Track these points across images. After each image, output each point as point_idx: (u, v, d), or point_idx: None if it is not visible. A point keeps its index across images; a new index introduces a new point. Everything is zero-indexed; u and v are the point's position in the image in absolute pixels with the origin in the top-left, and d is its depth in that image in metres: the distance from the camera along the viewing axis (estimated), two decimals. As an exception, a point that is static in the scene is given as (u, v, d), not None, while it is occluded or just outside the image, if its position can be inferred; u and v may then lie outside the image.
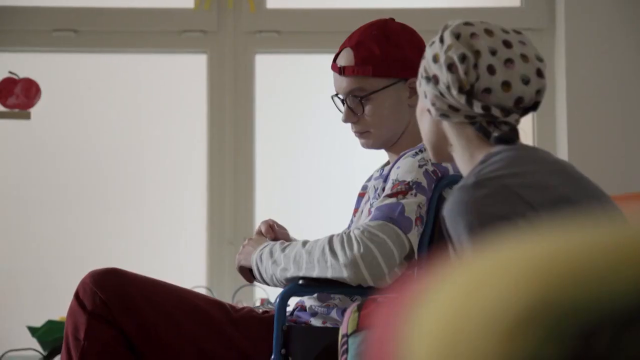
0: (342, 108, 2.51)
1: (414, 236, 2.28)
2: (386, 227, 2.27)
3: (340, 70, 2.47)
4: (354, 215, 2.61)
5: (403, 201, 2.30)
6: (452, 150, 1.88)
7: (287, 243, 2.38)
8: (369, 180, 2.63)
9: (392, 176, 2.37)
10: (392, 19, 2.51)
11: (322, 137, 4.21)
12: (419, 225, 2.29)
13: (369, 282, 2.24)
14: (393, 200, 2.31)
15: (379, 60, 2.42)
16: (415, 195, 2.31)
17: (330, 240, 2.29)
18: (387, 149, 2.52)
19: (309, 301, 2.44)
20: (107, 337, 2.32)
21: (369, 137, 2.47)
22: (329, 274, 2.25)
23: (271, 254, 2.36)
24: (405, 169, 2.34)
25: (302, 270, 2.29)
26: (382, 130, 2.45)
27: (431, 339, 0.68)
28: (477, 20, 1.87)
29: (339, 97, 2.52)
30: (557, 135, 4.12)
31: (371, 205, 2.41)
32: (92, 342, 2.31)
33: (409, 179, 2.32)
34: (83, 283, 2.35)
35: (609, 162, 3.97)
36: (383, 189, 2.38)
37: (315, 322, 2.39)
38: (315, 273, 2.27)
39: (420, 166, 2.33)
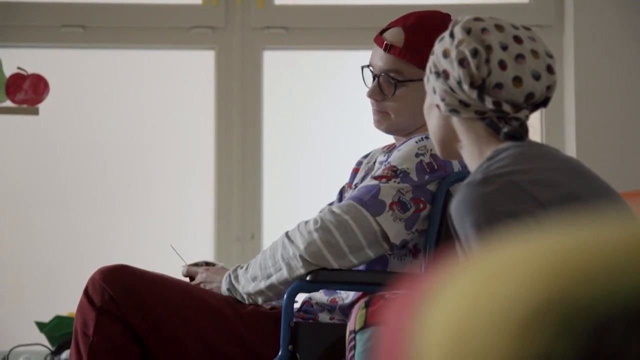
0: (369, 80, 2.48)
1: (387, 220, 2.27)
2: (352, 208, 2.28)
3: (386, 47, 2.42)
4: (346, 189, 2.63)
5: (382, 184, 2.30)
6: (461, 146, 1.87)
7: (246, 263, 2.39)
8: (365, 156, 2.64)
9: (391, 158, 2.37)
10: (449, 15, 2.46)
11: (330, 133, 4.21)
12: (396, 210, 2.28)
13: (332, 262, 2.25)
14: (374, 182, 2.32)
15: (428, 52, 2.38)
16: (399, 183, 2.31)
17: (287, 233, 2.32)
18: (397, 136, 2.51)
19: (315, 297, 2.44)
20: (116, 332, 2.32)
21: (387, 119, 2.45)
22: (293, 264, 2.26)
23: (237, 279, 2.37)
24: (402, 154, 2.34)
25: (272, 276, 2.30)
26: (401, 118, 2.43)
27: (441, 335, 0.68)
28: (486, 15, 1.86)
29: (370, 70, 2.48)
30: (566, 132, 4.11)
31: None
32: (100, 337, 2.32)
33: (398, 167, 2.32)
34: (92, 279, 2.36)
35: (617, 159, 3.96)
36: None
37: (323, 317, 2.39)
38: (285, 273, 2.28)
39: (417, 155, 2.33)
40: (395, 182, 2.31)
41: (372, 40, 2.50)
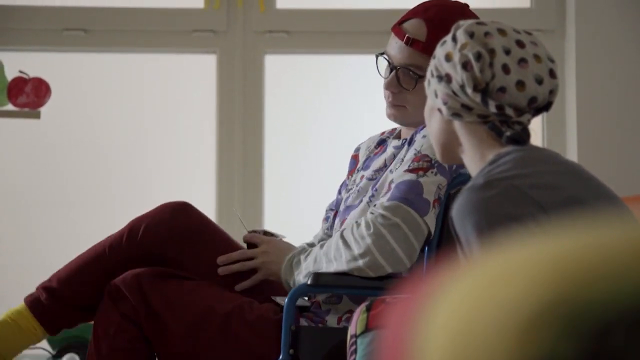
0: (383, 69, 2.45)
1: (431, 218, 2.27)
2: (401, 210, 2.26)
3: (407, 40, 2.38)
4: (347, 178, 2.63)
5: (422, 180, 2.28)
6: (462, 150, 1.87)
7: (308, 250, 2.40)
8: (361, 144, 2.64)
9: (417, 145, 2.35)
10: (467, 6, 2.43)
11: (331, 137, 4.21)
12: (437, 207, 2.28)
13: (387, 269, 2.25)
14: (412, 177, 2.29)
15: None
16: (436, 174, 2.29)
17: (342, 234, 2.30)
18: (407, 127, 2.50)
19: (319, 296, 2.43)
20: (134, 336, 2.41)
21: (403, 112, 2.43)
22: (346, 267, 2.26)
23: (298, 265, 2.38)
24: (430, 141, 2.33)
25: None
26: (419, 112, 2.36)
27: (443, 339, 0.68)
28: (488, 20, 1.86)
29: (386, 59, 2.44)
30: (567, 137, 4.11)
31: (391, 172, 2.39)
32: (120, 338, 2.41)
33: (431, 156, 2.31)
34: (116, 286, 2.44)
35: (618, 163, 3.96)
36: (402, 159, 2.38)
37: (332, 321, 2.39)
38: (332, 269, 2.29)
39: None
40: (432, 173, 2.29)
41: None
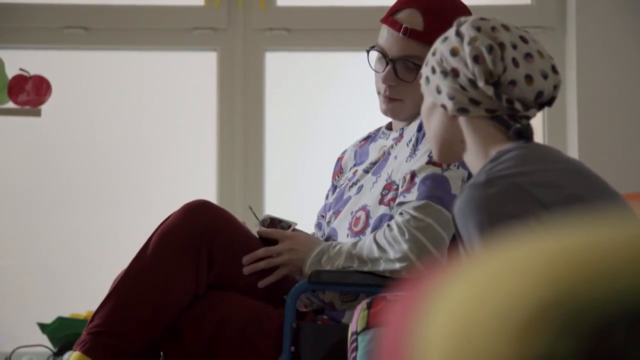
0: (379, 64, 2.41)
1: None
2: (432, 209, 2.23)
3: (405, 31, 2.34)
4: (333, 179, 2.61)
5: (447, 174, 2.25)
6: (463, 147, 1.86)
7: (334, 248, 2.35)
8: (347, 147, 2.63)
9: None
10: None
11: (332, 135, 4.21)
12: None
13: (424, 271, 2.23)
14: (437, 170, 2.26)
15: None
16: (458, 167, 2.27)
17: (375, 237, 2.27)
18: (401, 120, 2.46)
19: (329, 296, 2.41)
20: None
21: (401, 106, 2.39)
22: (381, 269, 2.25)
23: (327, 262, 2.33)
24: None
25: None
26: (417, 104, 2.33)
27: (443, 337, 0.68)
28: (489, 16, 1.87)
29: (379, 52, 2.40)
30: (568, 133, 4.11)
31: (396, 159, 2.37)
32: None
33: None
34: None
35: (619, 160, 3.96)
36: (414, 146, 2.34)
37: (347, 319, 2.38)
38: (366, 270, 2.28)
39: None
40: (455, 166, 2.27)
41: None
